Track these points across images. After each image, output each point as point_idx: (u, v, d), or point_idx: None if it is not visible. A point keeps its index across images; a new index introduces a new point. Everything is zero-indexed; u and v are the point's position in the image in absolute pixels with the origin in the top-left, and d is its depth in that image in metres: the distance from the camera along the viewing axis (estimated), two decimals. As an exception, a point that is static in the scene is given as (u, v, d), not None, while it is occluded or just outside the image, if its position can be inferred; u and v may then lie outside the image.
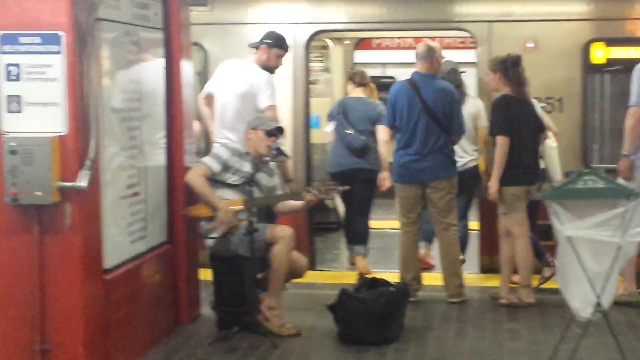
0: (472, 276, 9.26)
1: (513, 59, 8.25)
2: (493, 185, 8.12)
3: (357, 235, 9.52)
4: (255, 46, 8.28)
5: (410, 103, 8.25)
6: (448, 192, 8.32)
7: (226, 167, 7.37)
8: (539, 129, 8.38)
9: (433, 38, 16.56)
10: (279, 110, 8.14)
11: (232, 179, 7.37)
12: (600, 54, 9.55)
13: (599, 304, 6.11)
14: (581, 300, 6.17)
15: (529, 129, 8.26)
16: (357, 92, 9.72)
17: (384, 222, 11.55)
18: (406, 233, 8.37)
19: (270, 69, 8.22)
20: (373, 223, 9.89)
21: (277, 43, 8.25)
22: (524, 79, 8.27)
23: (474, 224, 9.92)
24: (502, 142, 8.08)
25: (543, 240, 8.71)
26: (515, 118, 8.15)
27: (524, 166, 8.17)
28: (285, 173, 8.24)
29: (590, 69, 9.54)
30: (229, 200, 7.30)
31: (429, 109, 8.22)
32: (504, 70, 8.21)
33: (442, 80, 8.53)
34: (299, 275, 7.79)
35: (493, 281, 8.84)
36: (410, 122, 8.24)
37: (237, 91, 8.03)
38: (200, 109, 8.38)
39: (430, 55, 8.33)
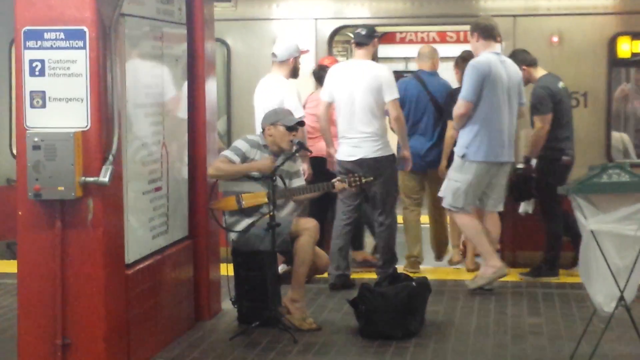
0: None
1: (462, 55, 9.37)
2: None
3: None
4: (365, 43, 8.61)
5: (418, 96, 9.23)
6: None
7: (245, 160, 7.39)
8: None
9: (457, 32, 16.64)
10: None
11: (254, 172, 7.38)
12: (626, 47, 9.48)
13: (622, 299, 6.07)
14: (604, 294, 6.15)
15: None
16: None
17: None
18: (412, 212, 9.43)
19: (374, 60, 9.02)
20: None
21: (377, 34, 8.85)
22: None
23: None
24: None
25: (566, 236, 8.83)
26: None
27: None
28: None
29: (616, 63, 9.48)
30: (254, 193, 7.33)
31: (435, 101, 9.21)
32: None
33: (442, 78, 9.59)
34: (321, 271, 7.83)
35: (514, 276, 8.91)
36: (417, 113, 9.23)
37: (367, 87, 8.41)
38: (321, 124, 8.67)
39: (433, 56, 9.49)
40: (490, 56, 8.30)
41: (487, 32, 8.33)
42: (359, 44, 8.64)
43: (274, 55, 8.83)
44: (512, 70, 8.34)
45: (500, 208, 8.53)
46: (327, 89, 8.61)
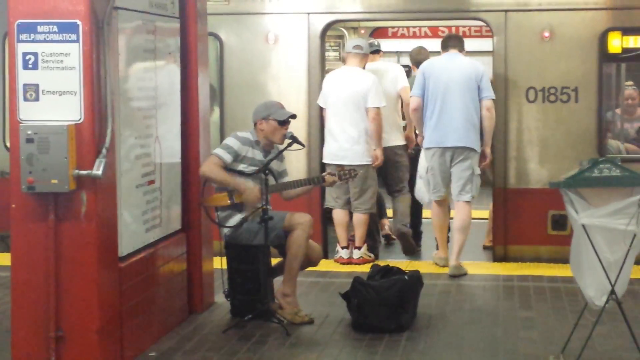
0: (485, 264, 9.32)
1: None
2: None
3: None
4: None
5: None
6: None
7: (237, 157, 7.37)
8: None
9: (449, 27, 16.65)
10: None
11: (246, 168, 7.38)
12: (617, 43, 9.50)
13: (613, 292, 6.10)
14: (595, 288, 6.17)
15: None
16: None
17: None
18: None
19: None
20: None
21: None
22: None
23: (485, 213, 10.04)
24: None
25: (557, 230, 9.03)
26: None
27: None
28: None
29: (606, 58, 9.50)
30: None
31: None
32: None
33: None
34: (314, 263, 7.83)
35: (505, 269, 8.98)
36: None
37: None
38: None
39: None
40: (438, 58, 9.22)
41: (442, 45, 9.27)
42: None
43: (359, 47, 9.43)
44: (462, 68, 8.94)
45: (463, 198, 8.90)
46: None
